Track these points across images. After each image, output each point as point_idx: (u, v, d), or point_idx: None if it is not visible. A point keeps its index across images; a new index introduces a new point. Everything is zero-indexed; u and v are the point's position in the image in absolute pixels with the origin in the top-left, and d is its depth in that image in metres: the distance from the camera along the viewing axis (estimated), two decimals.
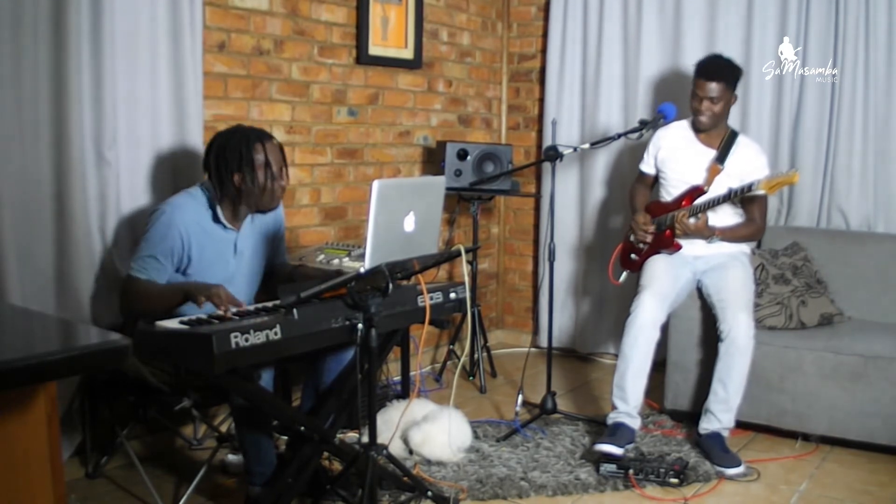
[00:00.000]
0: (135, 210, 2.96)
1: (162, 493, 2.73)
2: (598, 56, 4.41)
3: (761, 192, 3.23)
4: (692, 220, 3.32)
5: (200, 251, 2.59)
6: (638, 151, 3.96)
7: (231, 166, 2.57)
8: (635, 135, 3.50)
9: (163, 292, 2.49)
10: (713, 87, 3.33)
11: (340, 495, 2.71)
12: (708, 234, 3.34)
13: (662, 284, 3.30)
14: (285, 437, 2.95)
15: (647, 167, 3.65)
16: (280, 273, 2.87)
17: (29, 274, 2.63)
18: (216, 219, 2.63)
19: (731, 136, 3.43)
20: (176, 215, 2.55)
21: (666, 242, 3.46)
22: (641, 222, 3.51)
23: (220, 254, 2.64)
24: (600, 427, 3.34)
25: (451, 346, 4.35)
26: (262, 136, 2.63)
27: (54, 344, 1.35)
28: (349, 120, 3.87)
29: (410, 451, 3.13)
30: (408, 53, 4.12)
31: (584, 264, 4.58)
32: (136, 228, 2.91)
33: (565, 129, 4.51)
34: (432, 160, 4.32)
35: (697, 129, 3.46)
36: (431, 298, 2.58)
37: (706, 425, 3.20)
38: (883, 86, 3.74)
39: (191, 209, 2.59)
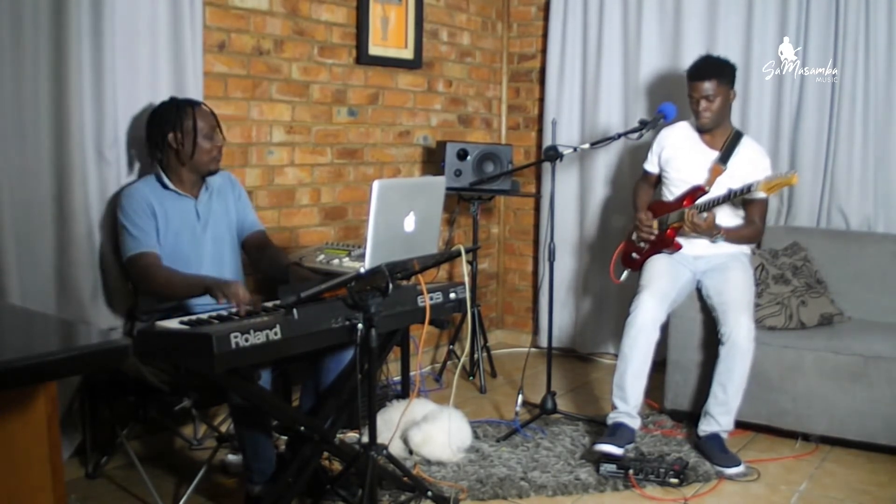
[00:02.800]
0: None
1: (162, 493, 2.73)
2: (598, 56, 4.41)
3: (761, 193, 3.23)
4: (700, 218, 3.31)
5: (165, 218, 2.72)
6: (638, 151, 3.96)
7: (165, 129, 2.73)
8: (635, 135, 3.51)
9: (185, 280, 2.58)
10: (705, 87, 3.34)
11: (340, 495, 2.70)
12: (715, 232, 3.33)
13: (662, 284, 3.30)
14: (285, 437, 2.95)
15: (650, 166, 3.65)
16: (258, 243, 2.94)
17: (29, 274, 2.63)
18: (167, 188, 2.75)
19: (736, 137, 3.43)
20: (133, 189, 2.73)
21: (667, 242, 3.45)
22: (645, 220, 3.51)
23: (184, 220, 2.76)
24: (600, 427, 3.34)
25: (451, 346, 4.35)
26: (192, 102, 2.80)
27: (54, 344, 1.36)
28: (349, 120, 3.87)
29: (410, 451, 3.13)
30: (408, 53, 4.12)
31: (584, 264, 4.57)
32: None
33: (565, 129, 4.51)
34: (432, 160, 4.32)
35: (701, 129, 3.46)
36: (431, 298, 2.58)
37: (705, 427, 3.20)
38: (883, 86, 3.74)
39: (143, 186, 2.75)
